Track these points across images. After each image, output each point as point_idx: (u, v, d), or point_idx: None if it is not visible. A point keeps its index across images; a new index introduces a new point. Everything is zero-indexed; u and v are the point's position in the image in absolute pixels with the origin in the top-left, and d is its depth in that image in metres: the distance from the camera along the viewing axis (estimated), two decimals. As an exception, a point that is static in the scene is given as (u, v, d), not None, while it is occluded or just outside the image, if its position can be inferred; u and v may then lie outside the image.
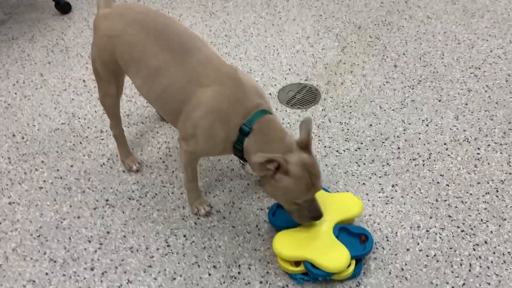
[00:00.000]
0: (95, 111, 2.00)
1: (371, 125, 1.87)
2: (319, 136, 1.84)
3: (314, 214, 1.31)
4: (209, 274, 1.40)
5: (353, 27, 2.43)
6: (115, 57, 1.42)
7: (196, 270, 1.41)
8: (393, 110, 1.94)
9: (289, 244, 1.35)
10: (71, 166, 1.75)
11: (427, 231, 1.49)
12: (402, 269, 1.39)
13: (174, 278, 1.39)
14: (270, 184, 1.26)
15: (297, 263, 1.36)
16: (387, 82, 2.08)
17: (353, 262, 1.34)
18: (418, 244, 1.45)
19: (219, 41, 2.37)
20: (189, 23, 2.51)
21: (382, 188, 1.62)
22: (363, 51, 2.27)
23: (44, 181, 1.70)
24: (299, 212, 1.31)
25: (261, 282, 1.37)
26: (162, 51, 1.31)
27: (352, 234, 1.40)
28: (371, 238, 1.37)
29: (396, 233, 1.49)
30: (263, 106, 1.31)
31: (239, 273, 1.40)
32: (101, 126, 1.92)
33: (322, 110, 1.97)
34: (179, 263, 1.43)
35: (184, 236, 1.50)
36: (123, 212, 1.58)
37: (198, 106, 1.27)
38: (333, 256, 1.31)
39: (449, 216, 1.53)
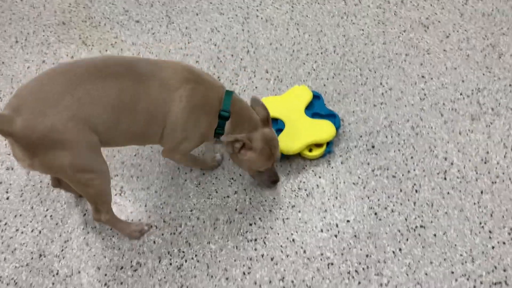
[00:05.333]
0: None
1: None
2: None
3: (273, 179, 1.61)
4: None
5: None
6: (92, 128, 1.26)
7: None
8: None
9: (293, 142, 1.72)
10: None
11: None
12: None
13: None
14: (237, 157, 1.52)
15: (317, 147, 1.75)
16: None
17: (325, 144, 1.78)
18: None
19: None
20: None
21: (264, 79, 2.08)
22: (125, 27, 2.36)
23: None
24: (260, 177, 1.61)
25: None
26: (118, 82, 1.29)
27: (323, 116, 1.83)
28: (338, 117, 1.83)
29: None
30: (222, 87, 1.50)
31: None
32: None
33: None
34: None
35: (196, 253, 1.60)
36: None
37: (180, 112, 1.38)
38: (324, 130, 1.75)
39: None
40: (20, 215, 1.70)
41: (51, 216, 1.68)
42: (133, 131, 1.37)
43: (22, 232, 1.65)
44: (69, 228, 1.65)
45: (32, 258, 1.58)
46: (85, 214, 1.68)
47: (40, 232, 1.65)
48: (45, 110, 1.17)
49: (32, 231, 1.65)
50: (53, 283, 1.52)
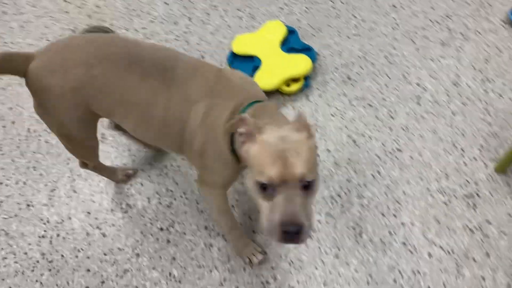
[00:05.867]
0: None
1: (168, 1, 2.12)
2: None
3: (282, 217, 0.91)
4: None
5: None
6: (90, 109, 1.18)
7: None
8: None
9: (271, 78, 1.75)
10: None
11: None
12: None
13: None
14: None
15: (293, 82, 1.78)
16: None
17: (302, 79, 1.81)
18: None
19: None
20: None
21: (236, 17, 2.05)
22: None
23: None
24: (267, 207, 0.96)
25: (299, 110, 1.75)
26: (143, 80, 1.13)
27: (299, 50, 1.85)
28: (313, 51, 1.84)
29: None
30: (256, 97, 1.17)
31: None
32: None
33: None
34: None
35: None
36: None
37: (194, 130, 1.15)
38: (300, 64, 1.77)
39: None
40: (2, 168, 1.69)
41: (34, 167, 1.68)
42: (143, 132, 1.23)
43: (6, 185, 1.65)
44: (54, 177, 1.65)
45: (20, 209, 1.59)
46: (68, 163, 1.68)
47: (24, 183, 1.65)
48: (55, 69, 1.11)
49: (16, 183, 1.65)
50: (45, 231, 1.54)
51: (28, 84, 1.14)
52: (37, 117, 1.78)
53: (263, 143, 0.98)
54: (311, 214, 0.97)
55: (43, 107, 1.17)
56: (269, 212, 0.95)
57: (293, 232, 0.91)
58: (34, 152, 1.71)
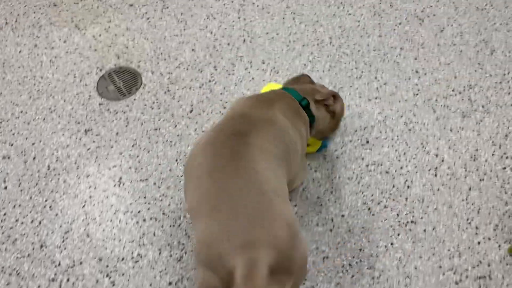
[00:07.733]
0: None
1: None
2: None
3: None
4: (295, 206, 1.67)
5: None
6: None
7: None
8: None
9: None
10: None
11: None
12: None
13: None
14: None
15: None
16: (178, 35, 2.32)
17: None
18: (317, 70, 2.09)
19: None
20: None
21: (260, 69, 2.10)
22: (119, 10, 2.33)
23: None
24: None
25: (316, 171, 1.76)
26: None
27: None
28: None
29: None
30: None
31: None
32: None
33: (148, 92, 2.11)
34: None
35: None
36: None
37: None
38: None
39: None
40: (19, 205, 1.72)
41: (50, 206, 1.71)
42: None
43: (22, 223, 1.68)
44: (69, 219, 1.68)
45: (33, 249, 1.62)
46: (84, 206, 1.71)
47: (40, 222, 1.68)
48: None
49: (32, 221, 1.68)
50: (55, 274, 1.56)
51: None
52: (58, 155, 1.85)
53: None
54: None
55: None
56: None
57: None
58: (51, 191, 1.75)
